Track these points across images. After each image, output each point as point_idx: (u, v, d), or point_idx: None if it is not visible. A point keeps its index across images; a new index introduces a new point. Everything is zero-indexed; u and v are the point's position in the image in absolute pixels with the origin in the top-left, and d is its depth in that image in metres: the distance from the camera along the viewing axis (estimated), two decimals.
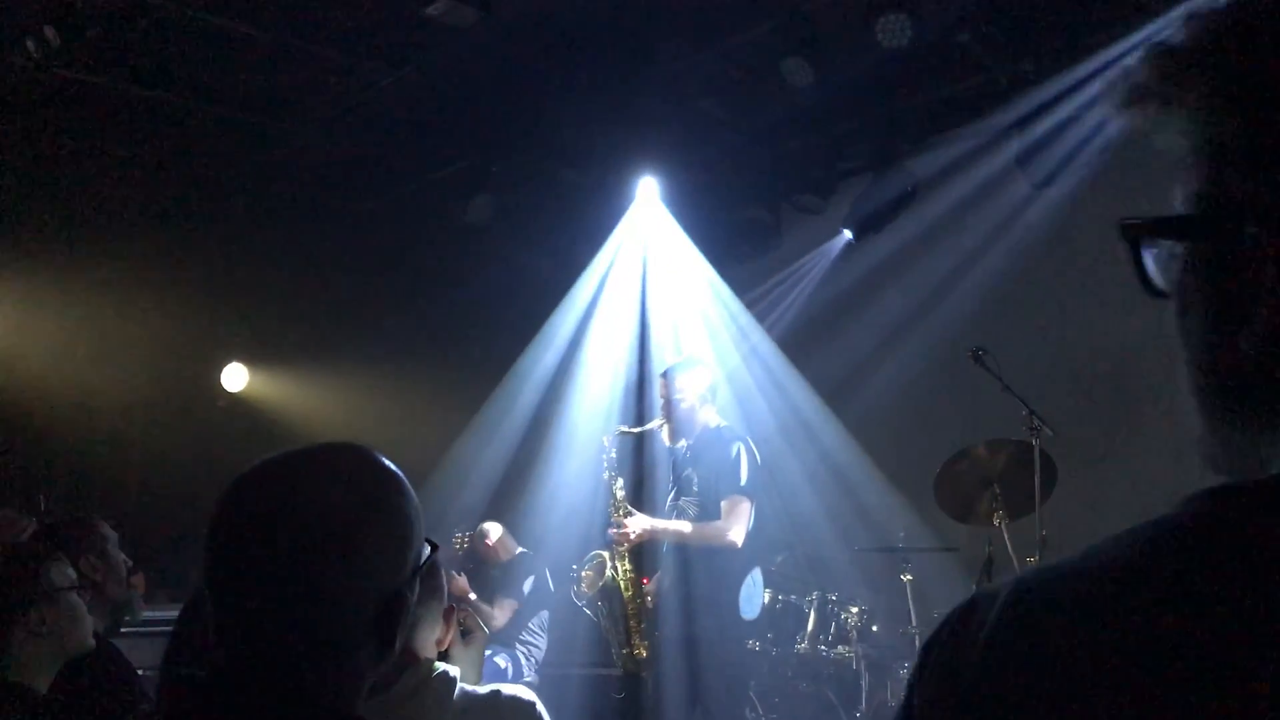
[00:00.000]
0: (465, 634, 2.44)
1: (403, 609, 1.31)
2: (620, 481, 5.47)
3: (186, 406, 8.29)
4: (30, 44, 5.48)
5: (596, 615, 5.61)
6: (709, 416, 5.31)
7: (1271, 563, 0.66)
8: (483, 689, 2.25)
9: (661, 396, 5.44)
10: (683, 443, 5.34)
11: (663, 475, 5.65)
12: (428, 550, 1.41)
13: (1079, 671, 0.68)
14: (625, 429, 5.73)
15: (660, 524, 5.27)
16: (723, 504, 5.07)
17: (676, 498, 5.32)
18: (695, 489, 5.20)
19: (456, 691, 2.22)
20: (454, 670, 2.26)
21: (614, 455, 5.57)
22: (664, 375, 5.48)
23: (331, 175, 7.81)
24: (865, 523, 6.52)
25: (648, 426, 5.57)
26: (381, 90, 6.66)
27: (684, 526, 5.16)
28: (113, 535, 3.57)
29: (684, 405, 5.29)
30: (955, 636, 0.76)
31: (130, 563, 3.59)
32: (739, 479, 5.07)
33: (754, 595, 5.19)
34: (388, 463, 1.41)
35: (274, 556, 1.29)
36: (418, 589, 1.37)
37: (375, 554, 1.31)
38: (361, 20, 5.99)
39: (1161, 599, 0.68)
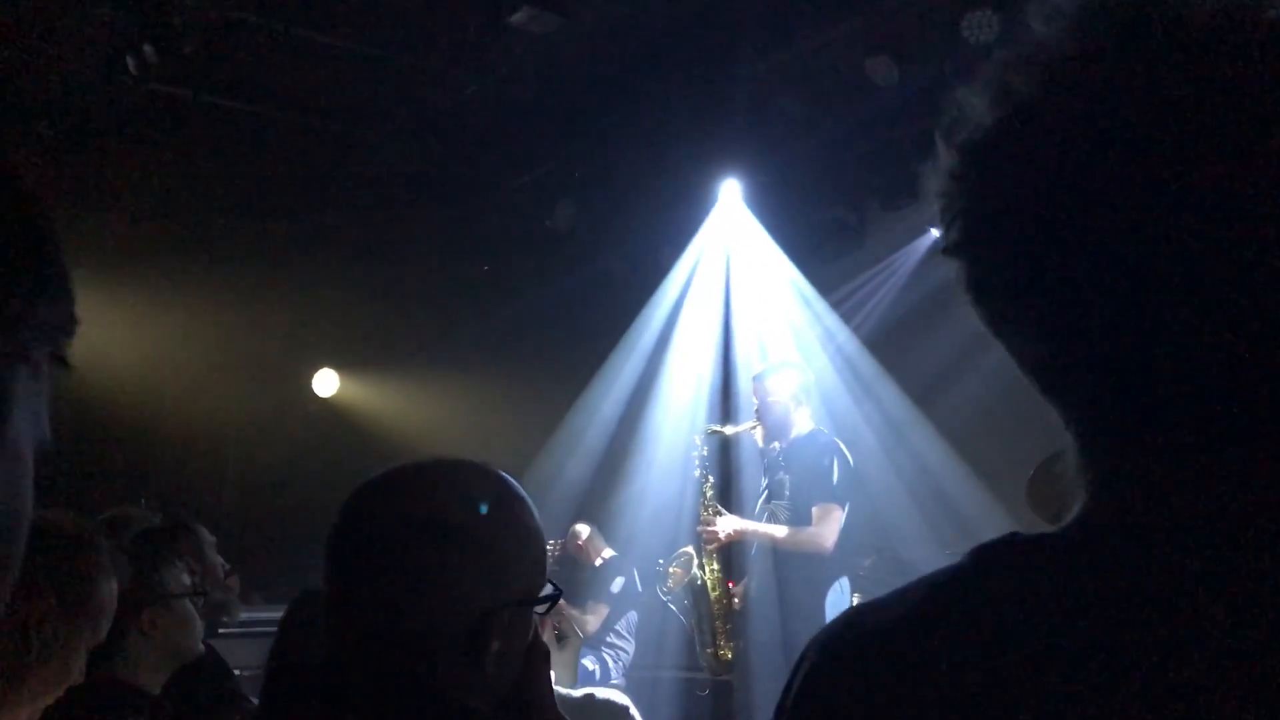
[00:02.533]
0: (560, 638, 2.45)
1: (493, 631, 1.31)
2: (711, 480, 5.43)
3: (279, 411, 8.49)
4: (130, 62, 5.66)
5: (682, 613, 5.59)
6: (803, 419, 5.26)
7: (1003, 617, 0.70)
8: (577, 692, 2.26)
9: (755, 399, 5.41)
10: (775, 445, 5.30)
11: (752, 477, 5.61)
12: (549, 589, 1.40)
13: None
14: (717, 428, 5.69)
15: (750, 526, 5.23)
16: (814, 510, 5.02)
17: (767, 501, 5.28)
18: (787, 493, 5.16)
19: None
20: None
21: (705, 454, 5.52)
22: (756, 378, 5.45)
23: (418, 183, 7.93)
24: (957, 526, 6.42)
25: (741, 428, 5.52)
26: (465, 98, 6.74)
27: (775, 530, 5.12)
28: (210, 538, 3.65)
29: (777, 408, 5.24)
30: (790, 691, 0.79)
31: (227, 566, 3.68)
32: (831, 485, 5.02)
33: (840, 603, 5.13)
34: (511, 484, 1.42)
35: (370, 561, 1.34)
36: (528, 619, 1.37)
37: (469, 570, 1.32)
38: (445, 29, 6.08)
39: (924, 645, 0.72)
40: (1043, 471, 5.45)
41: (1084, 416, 0.74)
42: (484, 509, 1.36)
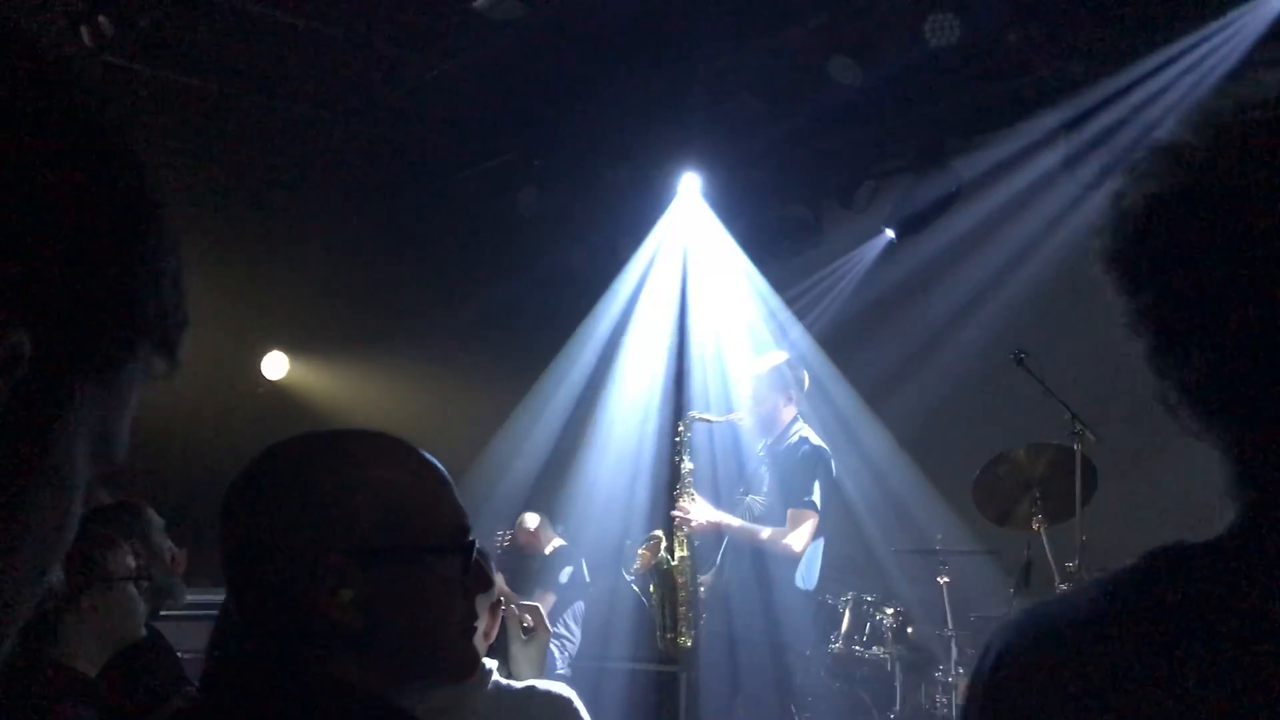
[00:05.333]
0: (528, 631, 2.41)
1: (324, 578, 1.25)
2: (691, 466, 5.41)
3: (227, 394, 8.38)
4: (84, 32, 5.56)
5: (645, 595, 5.56)
6: (791, 416, 5.27)
7: (1181, 619, 0.79)
8: (519, 683, 2.24)
9: (744, 394, 5.40)
10: (762, 443, 5.31)
11: (723, 468, 5.62)
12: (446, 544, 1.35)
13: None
14: (702, 416, 5.66)
15: (724, 518, 5.21)
16: (789, 511, 5.01)
17: (744, 494, 5.29)
18: (764, 489, 5.16)
19: (489, 684, 2.22)
20: (490, 662, 2.26)
21: (688, 439, 5.48)
22: (747, 370, 5.45)
23: (375, 166, 7.86)
24: (903, 524, 6.49)
25: (726, 418, 5.51)
26: (426, 83, 6.69)
27: (748, 525, 5.12)
28: (158, 520, 3.60)
29: (766, 404, 5.24)
30: (974, 686, 0.90)
31: (175, 549, 3.63)
32: (811, 492, 5.00)
33: (814, 561, 5.13)
34: (374, 440, 1.38)
35: (238, 535, 1.32)
36: (407, 572, 1.31)
37: (290, 532, 1.28)
38: (407, 13, 6.03)
39: (1108, 649, 0.81)
40: (988, 473, 5.54)
41: (1247, 439, 0.82)
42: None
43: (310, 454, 1.35)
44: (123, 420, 0.62)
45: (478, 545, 1.38)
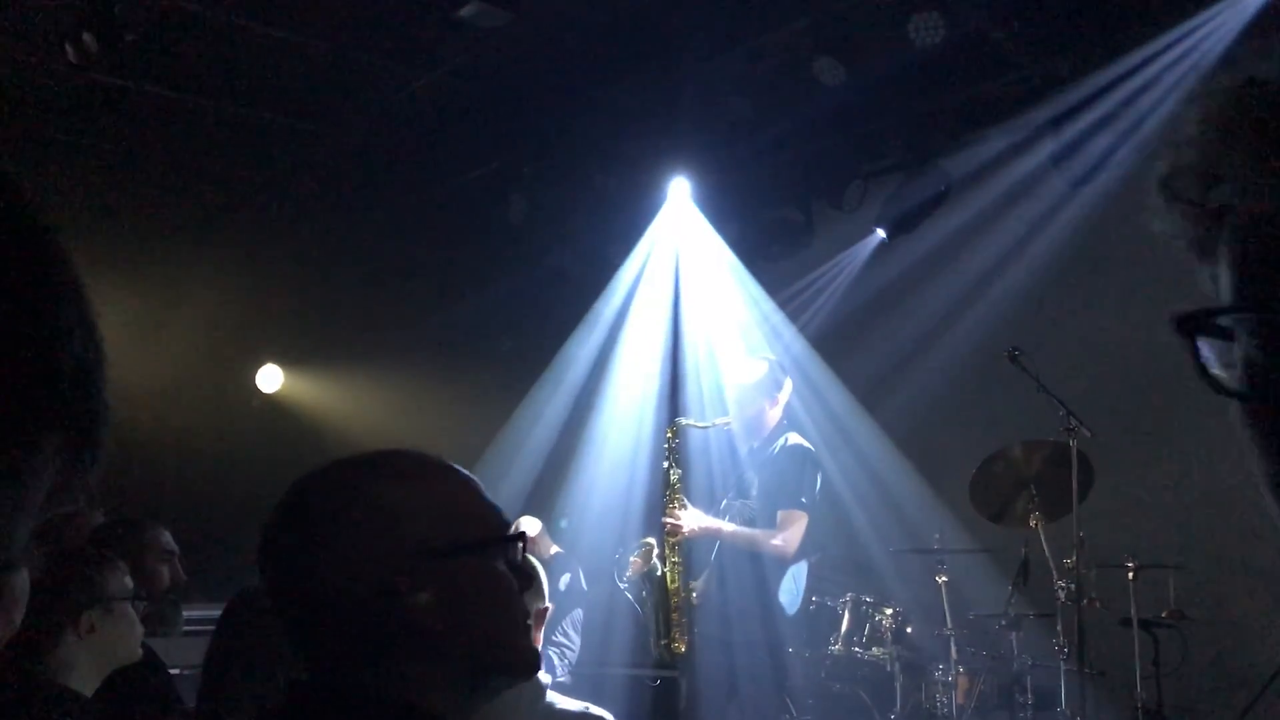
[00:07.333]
0: None
1: (398, 582, 1.27)
2: (679, 473, 5.41)
3: (222, 407, 8.37)
4: (70, 50, 5.55)
5: (638, 601, 5.55)
6: (777, 418, 5.27)
7: None
8: (574, 705, 2.21)
9: (730, 398, 5.41)
10: (748, 447, 5.31)
11: (718, 473, 5.62)
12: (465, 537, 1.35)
13: None
14: (689, 422, 5.66)
15: (714, 523, 5.22)
16: (779, 514, 5.02)
17: (734, 498, 5.29)
18: (753, 493, 5.16)
19: (543, 701, 2.19)
20: (545, 677, 2.24)
21: (676, 445, 5.48)
22: (732, 376, 5.45)
23: (365, 177, 7.86)
24: (900, 524, 6.48)
25: (713, 423, 5.51)
26: (414, 92, 6.69)
27: (738, 529, 5.13)
28: (159, 543, 3.57)
29: (752, 407, 5.25)
30: None
31: (178, 573, 3.61)
32: (800, 494, 5.03)
33: (797, 589, 5.15)
34: (415, 456, 1.40)
35: (276, 555, 1.33)
36: (470, 567, 1.33)
37: (352, 547, 1.29)
38: (393, 23, 6.02)
39: None
40: (984, 470, 5.54)
41: None
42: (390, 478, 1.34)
43: (349, 475, 1.36)
44: (19, 520, 0.56)
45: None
